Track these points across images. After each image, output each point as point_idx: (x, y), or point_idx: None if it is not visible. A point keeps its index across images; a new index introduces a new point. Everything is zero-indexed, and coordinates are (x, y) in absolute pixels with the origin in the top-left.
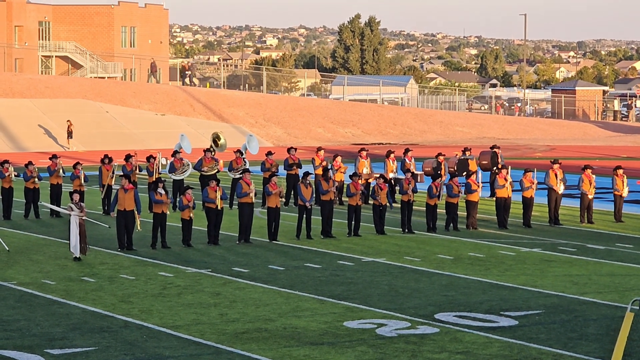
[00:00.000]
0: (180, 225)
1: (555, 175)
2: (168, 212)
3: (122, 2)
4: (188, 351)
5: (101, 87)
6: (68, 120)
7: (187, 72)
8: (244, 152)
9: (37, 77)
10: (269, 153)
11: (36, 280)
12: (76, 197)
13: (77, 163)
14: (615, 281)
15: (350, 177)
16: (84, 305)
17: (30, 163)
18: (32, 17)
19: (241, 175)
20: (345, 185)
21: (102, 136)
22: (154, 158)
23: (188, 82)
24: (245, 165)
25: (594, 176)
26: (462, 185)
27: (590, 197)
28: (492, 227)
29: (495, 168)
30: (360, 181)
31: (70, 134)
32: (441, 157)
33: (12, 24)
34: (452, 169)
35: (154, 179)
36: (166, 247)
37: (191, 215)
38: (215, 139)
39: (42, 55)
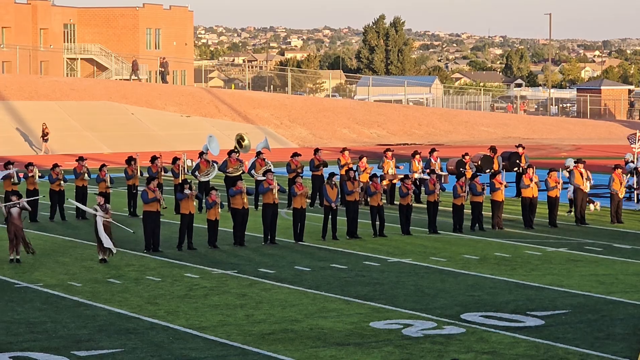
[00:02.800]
0: (206, 226)
1: (581, 174)
2: (194, 213)
3: (147, 4)
4: (214, 352)
5: (126, 89)
6: (43, 123)
7: (161, 69)
8: (205, 152)
9: (62, 80)
10: (295, 154)
11: (62, 282)
12: (101, 199)
13: (103, 165)
14: None
15: (370, 177)
16: (110, 307)
17: (56, 165)
18: (57, 19)
19: (264, 177)
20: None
21: (128, 138)
22: (180, 159)
23: (165, 80)
24: (268, 166)
25: (624, 176)
26: (487, 185)
27: (620, 196)
28: (518, 227)
29: (517, 168)
30: (384, 182)
31: (45, 137)
32: (467, 157)
33: (38, 26)
34: (477, 164)
35: (179, 181)
36: (192, 249)
37: (217, 216)
38: (239, 140)
39: (68, 58)
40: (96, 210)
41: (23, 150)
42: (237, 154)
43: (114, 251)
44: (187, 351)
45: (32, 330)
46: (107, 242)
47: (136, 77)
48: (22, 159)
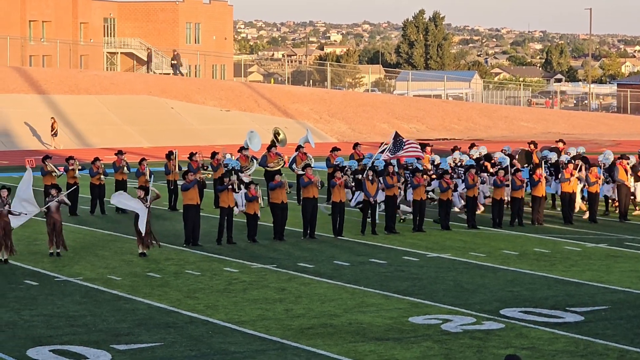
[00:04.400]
0: (246, 221)
1: (625, 170)
2: (235, 207)
3: None
4: (253, 347)
5: (166, 84)
6: (52, 118)
7: (172, 62)
8: (246, 148)
9: (102, 74)
10: (335, 149)
11: (102, 276)
12: (141, 192)
13: (143, 159)
14: None
15: (303, 168)
16: (149, 300)
17: (97, 159)
18: (97, 14)
19: (304, 172)
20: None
21: (167, 132)
22: (218, 154)
23: (177, 72)
24: (309, 160)
25: None
26: (527, 180)
27: (628, 184)
28: (558, 222)
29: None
30: (424, 176)
31: (54, 132)
32: (532, 147)
33: (78, 20)
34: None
35: (218, 175)
36: (232, 243)
37: (257, 211)
38: (275, 134)
39: (107, 52)
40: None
41: (65, 144)
42: (276, 148)
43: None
44: (226, 345)
45: (71, 324)
46: (141, 224)
47: (179, 72)
48: (64, 152)
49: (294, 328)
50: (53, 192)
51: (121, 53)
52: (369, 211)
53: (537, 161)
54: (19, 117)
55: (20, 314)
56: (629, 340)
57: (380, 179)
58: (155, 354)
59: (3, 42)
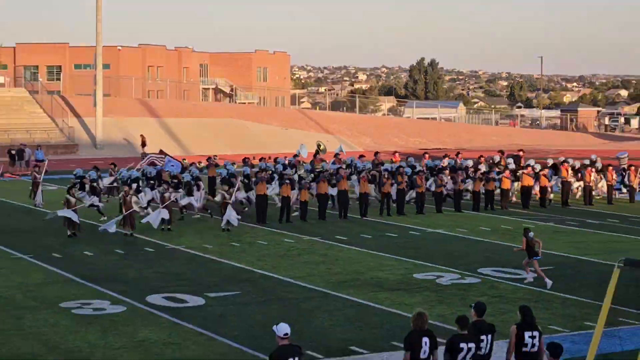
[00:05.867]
0: (299, 206)
1: (567, 170)
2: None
3: (258, 50)
4: (304, 295)
5: (243, 110)
6: (141, 135)
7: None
8: (298, 155)
9: (198, 103)
10: (361, 156)
11: (199, 245)
12: (225, 187)
13: (209, 158)
14: (608, 246)
15: (415, 172)
16: (232, 262)
17: (209, 158)
18: (195, 61)
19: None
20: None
21: (244, 143)
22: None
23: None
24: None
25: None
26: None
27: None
28: (518, 208)
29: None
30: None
31: (144, 144)
32: (482, 158)
33: (182, 66)
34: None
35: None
36: (289, 222)
37: (307, 198)
38: (318, 146)
39: (202, 88)
40: (224, 197)
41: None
42: (319, 155)
43: (235, 224)
44: (285, 293)
45: (178, 279)
46: (231, 218)
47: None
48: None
49: (333, 282)
50: (165, 186)
51: (212, 89)
52: (385, 200)
53: (504, 163)
54: (139, 133)
55: (142, 272)
56: (568, 290)
57: (399, 177)
58: (236, 299)
59: (129, 81)
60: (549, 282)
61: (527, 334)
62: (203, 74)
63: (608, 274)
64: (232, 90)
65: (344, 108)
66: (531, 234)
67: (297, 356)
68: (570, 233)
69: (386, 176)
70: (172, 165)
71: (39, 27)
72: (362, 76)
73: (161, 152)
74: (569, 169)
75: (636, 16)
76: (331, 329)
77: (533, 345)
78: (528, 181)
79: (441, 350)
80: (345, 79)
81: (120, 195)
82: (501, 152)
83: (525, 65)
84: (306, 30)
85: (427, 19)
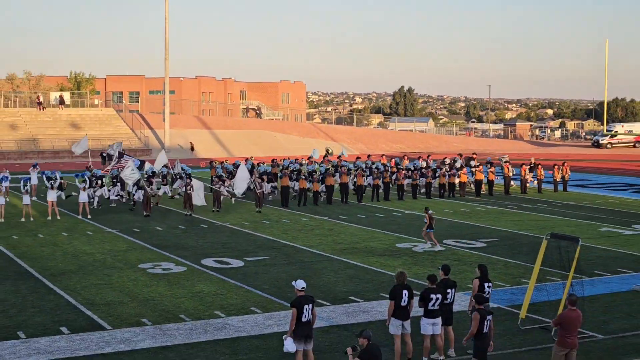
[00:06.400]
0: (312, 194)
1: (507, 168)
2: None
3: (282, 80)
4: (316, 259)
5: (272, 124)
6: (190, 142)
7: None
8: (311, 157)
9: (239, 119)
10: (358, 157)
11: (239, 222)
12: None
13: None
14: (538, 224)
15: (397, 168)
16: (264, 235)
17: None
18: (237, 88)
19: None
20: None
21: (272, 149)
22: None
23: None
24: (343, 163)
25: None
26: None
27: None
28: (472, 195)
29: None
30: (403, 172)
31: (192, 149)
32: (456, 155)
33: (227, 91)
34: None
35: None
36: (304, 205)
37: (318, 188)
38: (327, 150)
39: (242, 108)
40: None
41: (220, 157)
42: (328, 156)
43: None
44: (302, 257)
45: (224, 247)
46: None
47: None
48: (215, 159)
49: (336, 249)
50: (216, 180)
51: (249, 108)
52: (375, 190)
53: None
54: (196, 141)
55: (198, 241)
56: (510, 256)
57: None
58: (266, 262)
59: (189, 103)
60: (439, 247)
61: (486, 284)
62: (242, 97)
63: (538, 244)
64: (258, 109)
65: (345, 122)
66: (430, 211)
67: (311, 303)
68: (511, 214)
69: (361, 172)
70: (137, 165)
71: (124, 62)
72: (358, 99)
73: (120, 154)
74: (510, 167)
75: (558, 52)
76: (336, 283)
77: (489, 293)
78: (479, 176)
79: (416, 299)
80: (346, 101)
81: (183, 187)
82: (460, 154)
83: (478, 90)
84: (318, 66)
85: (406, 58)
